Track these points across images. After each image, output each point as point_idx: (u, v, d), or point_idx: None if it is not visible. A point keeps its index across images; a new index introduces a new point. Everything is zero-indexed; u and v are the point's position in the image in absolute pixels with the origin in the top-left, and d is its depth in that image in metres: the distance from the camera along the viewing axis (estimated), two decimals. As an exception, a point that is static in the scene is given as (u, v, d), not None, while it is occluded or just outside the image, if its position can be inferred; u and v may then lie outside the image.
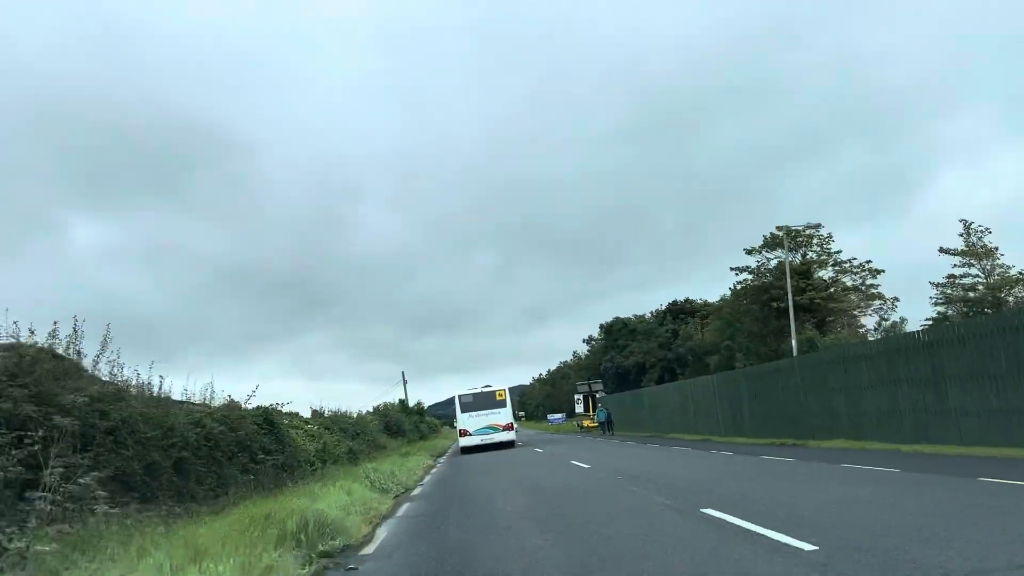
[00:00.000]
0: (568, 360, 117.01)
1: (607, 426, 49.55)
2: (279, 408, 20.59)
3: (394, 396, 68.49)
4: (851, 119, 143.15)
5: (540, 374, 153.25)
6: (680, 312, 65.25)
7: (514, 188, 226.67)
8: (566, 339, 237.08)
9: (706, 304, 65.95)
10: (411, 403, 65.54)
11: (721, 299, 49.68)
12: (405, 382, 67.45)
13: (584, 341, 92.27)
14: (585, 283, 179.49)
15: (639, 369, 65.78)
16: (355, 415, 34.24)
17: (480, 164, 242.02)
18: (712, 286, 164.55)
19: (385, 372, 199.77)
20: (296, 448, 20.01)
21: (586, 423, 64.17)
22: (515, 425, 37.37)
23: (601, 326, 76.59)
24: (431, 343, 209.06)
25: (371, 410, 49.93)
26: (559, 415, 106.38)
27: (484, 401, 34.68)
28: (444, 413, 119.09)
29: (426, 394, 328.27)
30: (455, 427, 38.02)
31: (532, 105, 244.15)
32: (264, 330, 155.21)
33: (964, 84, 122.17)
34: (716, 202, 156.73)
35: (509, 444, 34.18)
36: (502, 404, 34.83)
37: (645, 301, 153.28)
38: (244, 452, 15.25)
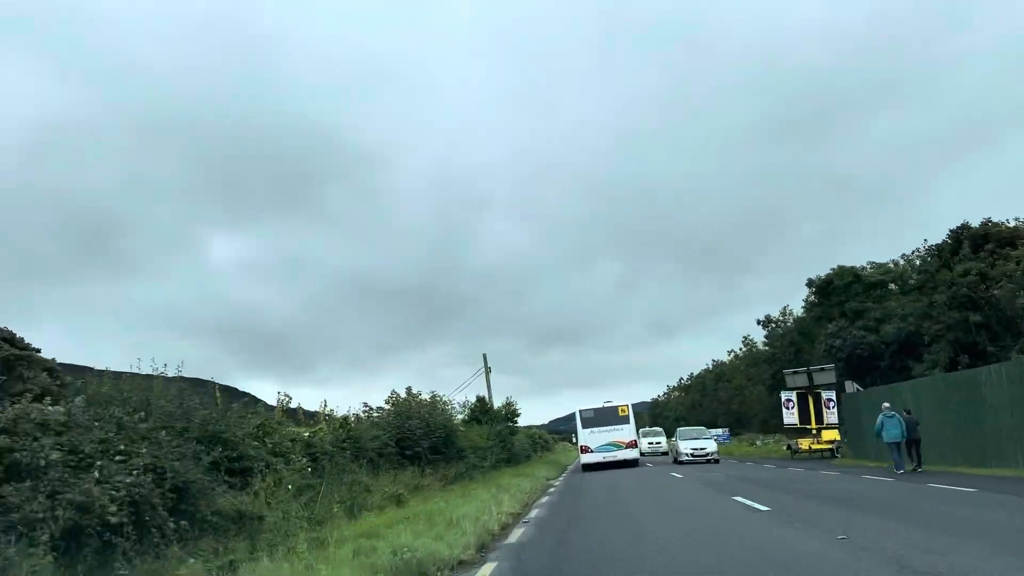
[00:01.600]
0: (735, 353, 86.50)
1: (908, 450, 21.44)
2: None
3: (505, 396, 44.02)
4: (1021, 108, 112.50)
5: (680, 379, 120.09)
6: (982, 240, 35.26)
7: (641, 192, 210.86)
8: (692, 354, 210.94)
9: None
10: (497, 402, 39.26)
11: None
12: (487, 370, 41.32)
13: (760, 323, 62.18)
14: (715, 294, 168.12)
15: (902, 345, 36.43)
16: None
17: (606, 167, 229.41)
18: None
19: (508, 386, 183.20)
20: None
21: (806, 445, 35.63)
22: (638, 442, 35.10)
23: (811, 282, 46.94)
24: (554, 357, 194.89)
25: (372, 409, 23.53)
26: (718, 430, 77.66)
27: (606, 417, 32.69)
28: (565, 428, 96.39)
29: (548, 409, 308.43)
30: (574, 442, 39.72)
31: (662, 103, 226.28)
32: (391, 342, 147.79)
33: None
34: (860, 204, 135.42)
35: (633, 463, 32.25)
36: (625, 420, 32.62)
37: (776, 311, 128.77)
38: None
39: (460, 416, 32.30)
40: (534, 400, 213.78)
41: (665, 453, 46.56)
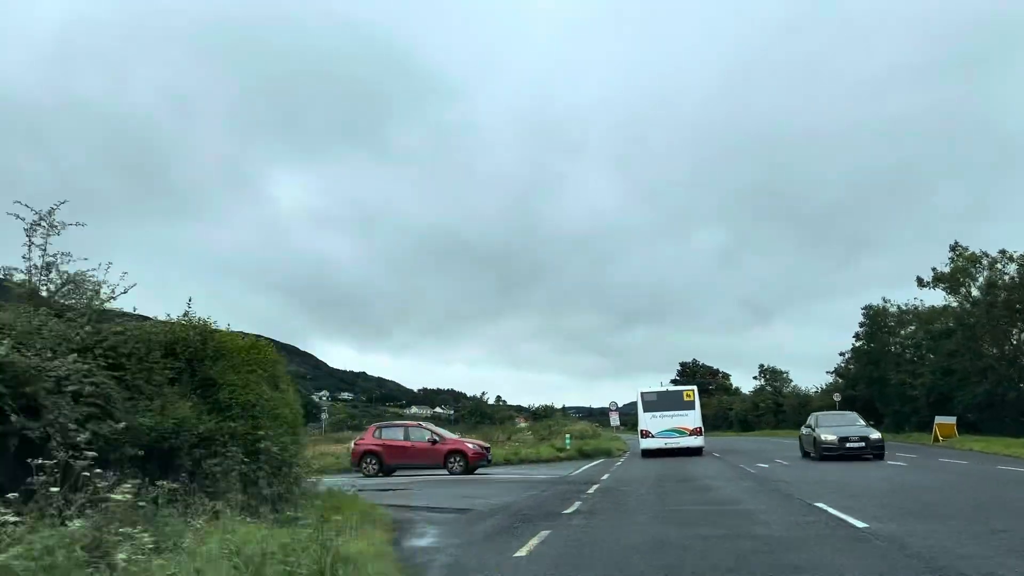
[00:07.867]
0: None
1: None
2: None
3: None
4: None
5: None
6: None
7: (754, 144, 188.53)
8: (791, 342, 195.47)
9: None
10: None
11: None
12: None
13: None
14: (828, 272, 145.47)
15: None
16: None
17: (715, 112, 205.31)
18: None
19: (588, 366, 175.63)
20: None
21: None
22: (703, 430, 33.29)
23: None
24: (637, 335, 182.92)
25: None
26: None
27: (669, 401, 32.61)
28: (632, 413, 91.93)
29: (624, 392, 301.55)
30: (616, 426, 49.35)
31: (784, 37, 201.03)
32: (467, 310, 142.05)
33: None
34: (1016, 164, 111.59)
35: (696, 451, 31.38)
36: (690, 406, 32.24)
37: (899, 297, 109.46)
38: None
39: None
40: (611, 383, 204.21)
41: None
